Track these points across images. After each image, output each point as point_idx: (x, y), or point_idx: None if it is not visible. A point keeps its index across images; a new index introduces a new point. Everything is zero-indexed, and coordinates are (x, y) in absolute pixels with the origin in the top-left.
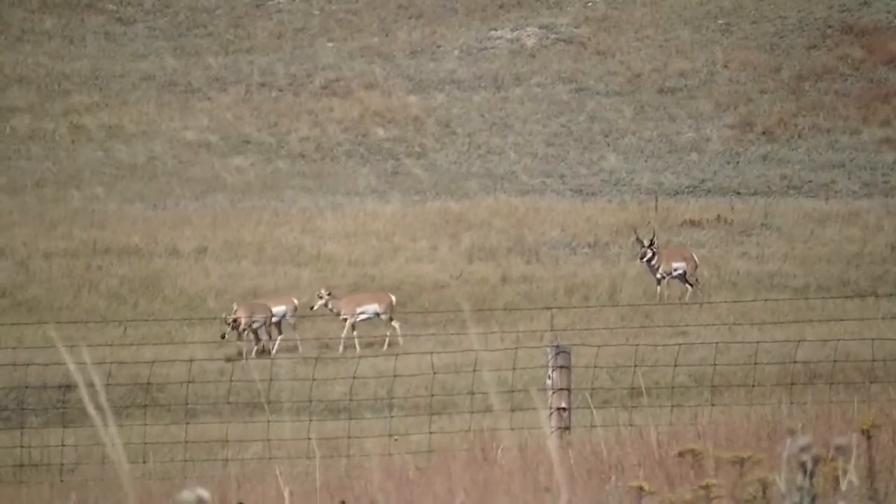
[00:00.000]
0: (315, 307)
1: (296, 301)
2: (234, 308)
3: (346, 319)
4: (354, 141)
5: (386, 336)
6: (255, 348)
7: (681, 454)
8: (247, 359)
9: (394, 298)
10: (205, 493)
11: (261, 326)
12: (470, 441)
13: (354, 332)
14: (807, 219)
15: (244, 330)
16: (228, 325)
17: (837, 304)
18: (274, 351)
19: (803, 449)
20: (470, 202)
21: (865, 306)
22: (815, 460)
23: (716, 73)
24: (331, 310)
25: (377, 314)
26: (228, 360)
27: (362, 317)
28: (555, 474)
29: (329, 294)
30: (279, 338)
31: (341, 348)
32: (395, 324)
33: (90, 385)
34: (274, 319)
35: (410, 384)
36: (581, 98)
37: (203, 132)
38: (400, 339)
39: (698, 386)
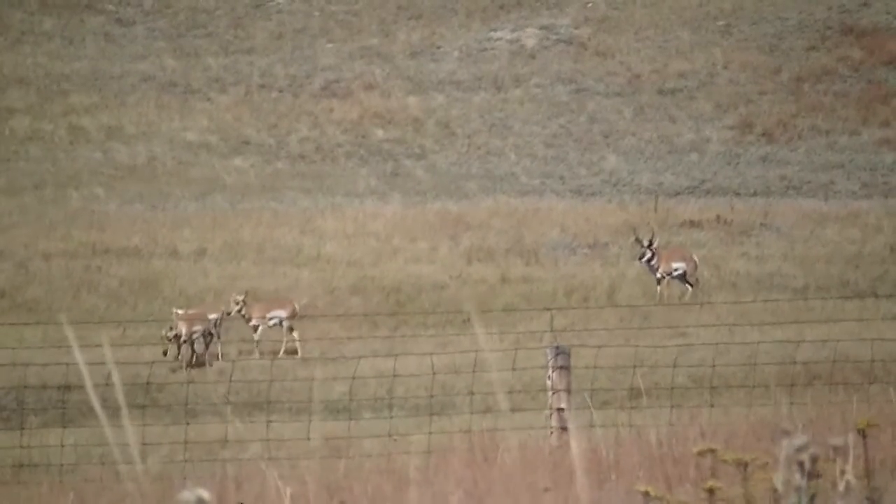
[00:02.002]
0: (232, 312)
1: (222, 308)
2: (174, 321)
3: (256, 325)
4: (354, 142)
5: (286, 342)
6: (198, 357)
7: (699, 454)
8: (187, 368)
9: (297, 306)
10: (205, 494)
11: (199, 336)
12: (470, 442)
13: (295, 335)
14: (806, 219)
15: (185, 341)
16: (169, 339)
17: (837, 304)
18: (219, 356)
19: (800, 449)
20: (469, 203)
21: (865, 307)
22: (813, 460)
23: (715, 74)
24: (242, 315)
25: (282, 320)
26: (174, 370)
27: (271, 322)
28: (554, 475)
29: (243, 298)
30: (217, 343)
31: (257, 354)
32: (294, 333)
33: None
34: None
35: (410, 384)
36: (581, 99)
37: (202, 133)
38: (297, 347)
39: (698, 387)
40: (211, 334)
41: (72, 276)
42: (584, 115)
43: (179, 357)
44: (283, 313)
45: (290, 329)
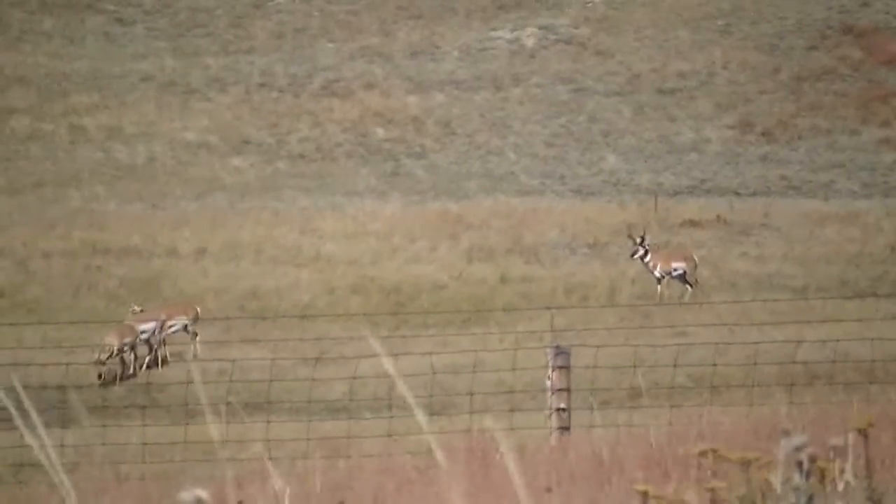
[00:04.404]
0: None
1: (164, 317)
2: (105, 340)
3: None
4: (354, 141)
5: (193, 346)
6: (125, 369)
7: (701, 454)
8: (119, 380)
9: (199, 310)
10: (203, 494)
11: (129, 348)
12: (470, 442)
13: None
14: (806, 219)
15: (117, 355)
16: (103, 362)
17: (837, 304)
18: (143, 368)
19: (799, 449)
20: (469, 203)
21: (865, 307)
22: (812, 460)
23: (715, 73)
24: None
25: (185, 326)
26: (103, 384)
27: (171, 329)
28: (555, 475)
29: (141, 309)
30: (147, 356)
31: (148, 361)
32: (197, 338)
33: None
34: (143, 336)
35: (409, 384)
36: (580, 98)
37: (203, 133)
38: (198, 350)
39: (698, 386)
40: (134, 349)
41: (71, 275)
42: (584, 115)
43: (121, 370)
44: (185, 319)
45: (194, 334)
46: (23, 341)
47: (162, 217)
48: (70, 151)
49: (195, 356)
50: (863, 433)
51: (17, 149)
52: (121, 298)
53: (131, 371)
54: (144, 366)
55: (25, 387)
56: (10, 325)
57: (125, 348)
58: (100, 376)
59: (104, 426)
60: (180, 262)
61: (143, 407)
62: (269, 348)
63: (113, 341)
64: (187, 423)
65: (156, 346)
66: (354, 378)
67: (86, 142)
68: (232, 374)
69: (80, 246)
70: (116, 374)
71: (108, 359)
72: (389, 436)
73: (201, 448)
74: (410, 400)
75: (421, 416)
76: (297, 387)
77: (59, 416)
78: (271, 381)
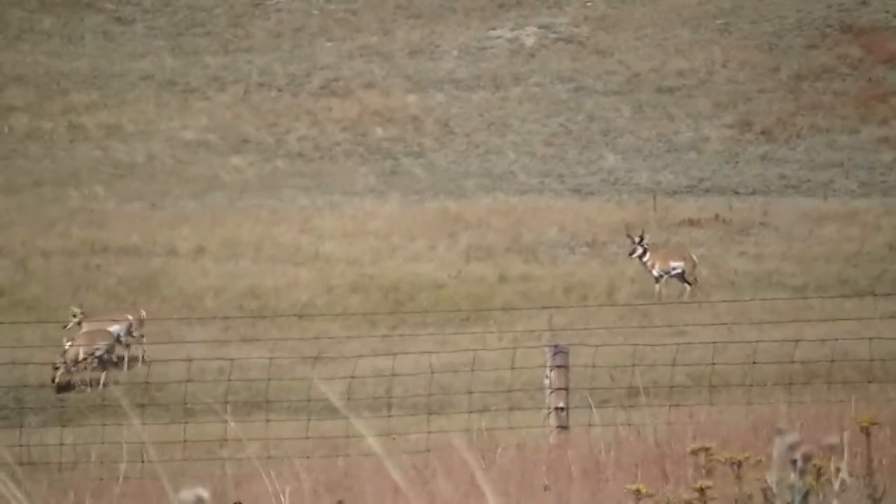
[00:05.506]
0: (69, 326)
1: (130, 317)
2: (70, 342)
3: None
4: (353, 140)
5: (142, 350)
6: (103, 375)
7: (693, 452)
8: (92, 387)
9: (144, 312)
10: (204, 493)
11: (105, 352)
12: (469, 441)
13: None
14: (805, 218)
15: (84, 359)
16: (62, 365)
17: (836, 303)
18: (131, 366)
19: (793, 447)
20: (468, 201)
21: (864, 305)
22: (806, 458)
23: (714, 72)
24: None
25: (129, 329)
26: (60, 391)
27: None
28: (553, 473)
29: (82, 313)
30: (125, 355)
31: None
32: (142, 342)
33: None
34: (115, 337)
35: (408, 384)
36: (580, 97)
37: (202, 131)
38: (145, 356)
39: (696, 385)
40: (110, 350)
41: (71, 274)
42: (583, 114)
43: (86, 377)
44: (128, 323)
45: (140, 336)
46: (22, 340)
47: (161, 216)
48: (69, 150)
49: (144, 359)
50: (864, 431)
51: (15, 147)
52: (120, 297)
53: (109, 373)
54: (136, 364)
55: (24, 385)
56: (10, 323)
57: (97, 351)
58: (53, 379)
59: (103, 425)
60: (179, 261)
61: (142, 405)
62: (267, 347)
63: (81, 344)
64: (186, 422)
65: (128, 347)
66: (353, 377)
67: (85, 140)
68: (231, 373)
69: (80, 245)
70: (78, 378)
71: (73, 363)
72: (388, 435)
73: (201, 447)
74: (335, 401)
75: (356, 422)
76: (296, 386)
77: (58, 414)
78: (270, 380)
